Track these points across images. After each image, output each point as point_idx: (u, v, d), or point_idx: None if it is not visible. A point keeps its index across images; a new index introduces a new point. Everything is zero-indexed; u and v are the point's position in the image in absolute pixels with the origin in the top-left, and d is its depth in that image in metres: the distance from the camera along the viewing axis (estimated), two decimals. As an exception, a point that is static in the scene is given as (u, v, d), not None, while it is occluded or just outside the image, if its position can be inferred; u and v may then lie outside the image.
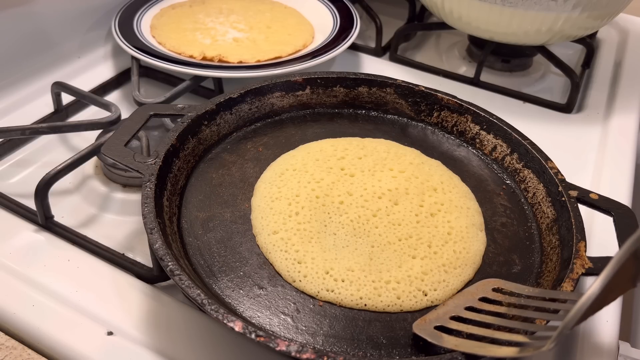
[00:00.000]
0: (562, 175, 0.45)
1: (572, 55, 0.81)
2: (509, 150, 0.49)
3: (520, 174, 0.48)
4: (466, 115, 0.52)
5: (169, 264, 0.36)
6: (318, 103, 0.56)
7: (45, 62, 0.66)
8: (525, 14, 0.62)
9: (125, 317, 0.41)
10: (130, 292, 0.43)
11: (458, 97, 0.53)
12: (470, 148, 0.52)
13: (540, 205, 0.46)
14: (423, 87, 0.54)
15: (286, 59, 0.65)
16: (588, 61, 0.77)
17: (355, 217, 0.44)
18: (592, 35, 0.81)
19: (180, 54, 0.65)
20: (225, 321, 0.33)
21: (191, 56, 0.65)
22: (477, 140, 0.52)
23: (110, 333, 0.39)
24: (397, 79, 0.54)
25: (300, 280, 0.40)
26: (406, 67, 0.74)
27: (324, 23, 0.73)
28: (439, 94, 0.53)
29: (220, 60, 0.64)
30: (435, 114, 0.54)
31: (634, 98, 0.69)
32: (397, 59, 0.75)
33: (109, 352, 0.38)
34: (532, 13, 0.62)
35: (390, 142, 0.52)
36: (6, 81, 0.62)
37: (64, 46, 0.68)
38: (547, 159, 0.46)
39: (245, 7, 0.76)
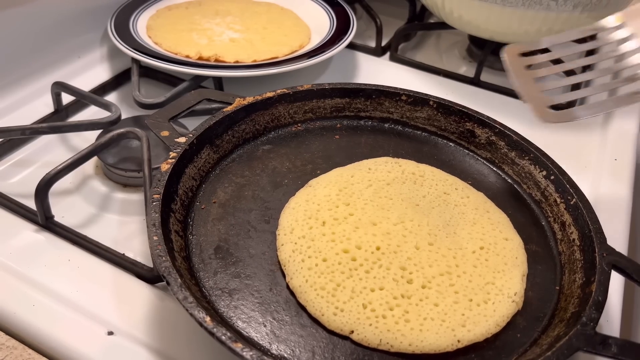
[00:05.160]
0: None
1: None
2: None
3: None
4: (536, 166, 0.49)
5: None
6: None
7: (45, 62, 0.66)
8: (525, 14, 0.62)
9: (125, 317, 0.41)
10: (130, 292, 0.43)
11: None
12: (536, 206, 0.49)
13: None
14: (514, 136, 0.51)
15: (283, 59, 0.65)
16: (588, 61, 0.76)
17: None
18: (592, 36, 0.81)
19: (176, 54, 0.65)
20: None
21: (187, 56, 0.65)
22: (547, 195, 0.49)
23: (110, 333, 0.39)
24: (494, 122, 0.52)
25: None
26: (406, 67, 0.74)
27: (321, 24, 0.73)
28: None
29: (216, 60, 0.64)
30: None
31: (634, 98, 0.69)
32: (397, 59, 0.75)
33: (109, 352, 0.38)
34: (532, 13, 0.62)
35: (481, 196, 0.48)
36: (6, 81, 0.62)
37: (64, 46, 0.68)
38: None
39: (242, 9, 0.76)
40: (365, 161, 0.50)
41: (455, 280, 0.40)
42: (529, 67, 0.49)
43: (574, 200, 0.45)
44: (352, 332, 0.37)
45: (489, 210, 0.46)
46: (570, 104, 0.49)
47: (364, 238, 0.42)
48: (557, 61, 0.53)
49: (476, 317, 0.38)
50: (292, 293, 0.40)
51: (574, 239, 0.43)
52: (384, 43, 0.77)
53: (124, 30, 0.67)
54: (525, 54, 0.50)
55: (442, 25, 0.76)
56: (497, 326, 0.38)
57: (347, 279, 0.40)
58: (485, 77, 0.71)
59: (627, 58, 0.48)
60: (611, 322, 0.43)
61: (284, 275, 0.41)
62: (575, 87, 0.49)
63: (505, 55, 0.50)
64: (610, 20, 0.50)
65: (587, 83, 0.48)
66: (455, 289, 0.40)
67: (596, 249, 0.40)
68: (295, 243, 0.42)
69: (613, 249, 0.41)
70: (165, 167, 0.43)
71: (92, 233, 0.47)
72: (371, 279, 0.40)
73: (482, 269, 0.41)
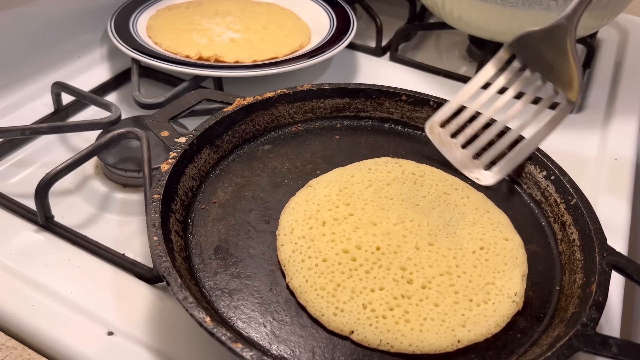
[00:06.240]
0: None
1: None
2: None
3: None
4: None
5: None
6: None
7: (45, 62, 0.66)
8: (525, 14, 0.62)
9: (125, 317, 0.41)
10: (130, 292, 0.43)
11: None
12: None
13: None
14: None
15: (283, 59, 0.65)
16: (588, 61, 0.77)
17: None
18: (593, 35, 0.81)
19: (176, 54, 0.65)
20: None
21: (187, 56, 0.65)
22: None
23: (110, 333, 0.39)
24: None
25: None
26: (406, 67, 0.74)
27: (321, 25, 0.73)
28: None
29: (216, 60, 0.64)
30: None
31: (634, 98, 0.69)
32: (397, 59, 0.75)
33: (109, 352, 0.38)
34: (532, 13, 0.62)
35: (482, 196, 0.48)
36: (6, 81, 0.62)
37: (64, 46, 0.68)
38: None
39: (242, 9, 0.76)
40: (365, 161, 0.50)
41: (456, 281, 0.40)
42: (455, 134, 0.51)
43: (574, 200, 0.45)
44: (352, 332, 0.37)
45: (489, 210, 0.46)
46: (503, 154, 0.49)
47: (364, 238, 0.42)
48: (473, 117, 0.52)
49: (476, 317, 0.38)
50: (292, 293, 0.40)
51: (574, 239, 0.43)
52: (384, 43, 0.77)
53: (124, 30, 0.67)
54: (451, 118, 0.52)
55: (442, 25, 0.76)
56: (497, 326, 0.38)
57: (347, 279, 0.40)
58: (486, 77, 0.71)
59: (528, 90, 0.50)
60: (611, 322, 0.43)
61: (283, 276, 0.41)
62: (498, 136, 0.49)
63: (428, 132, 0.52)
64: (502, 55, 0.51)
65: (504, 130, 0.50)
66: (456, 289, 0.40)
67: (596, 249, 0.40)
68: (296, 243, 0.42)
69: (613, 249, 0.41)
70: (165, 167, 0.43)
71: (92, 233, 0.47)
72: (371, 279, 0.40)
73: (482, 269, 0.41)
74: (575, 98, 0.48)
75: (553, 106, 0.49)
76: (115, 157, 0.52)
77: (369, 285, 0.39)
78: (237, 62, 0.64)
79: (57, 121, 0.59)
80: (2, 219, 0.48)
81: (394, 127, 0.55)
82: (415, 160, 0.51)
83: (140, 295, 0.42)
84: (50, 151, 0.56)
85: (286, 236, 0.43)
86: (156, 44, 0.67)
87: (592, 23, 0.65)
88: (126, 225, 0.49)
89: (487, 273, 0.41)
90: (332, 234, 0.42)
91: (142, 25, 0.70)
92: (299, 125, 0.54)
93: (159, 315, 0.41)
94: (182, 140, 0.46)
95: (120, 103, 0.64)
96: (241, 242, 0.43)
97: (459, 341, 0.37)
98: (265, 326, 0.37)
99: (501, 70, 0.51)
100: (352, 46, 0.75)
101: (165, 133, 0.47)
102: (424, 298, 0.39)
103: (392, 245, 0.42)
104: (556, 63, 0.48)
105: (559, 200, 0.46)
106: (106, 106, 0.56)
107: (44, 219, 0.47)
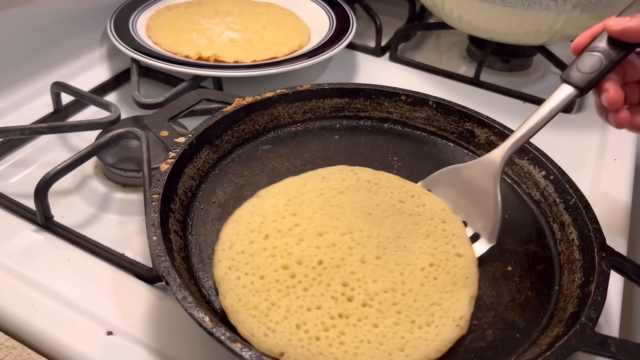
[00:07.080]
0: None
1: (572, 55, 0.80)
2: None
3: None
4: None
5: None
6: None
7: (45, 62, 0.66)
8: (525, 14, 0.62)
9: (125, 317, 0.41)
10: (130, 292, 0.43)
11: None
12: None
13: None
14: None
15: (282, 59, 0.65)
16: (588, 61, 0.76)
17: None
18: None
19: (176, 54, 0.65)
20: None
21: (187, 56, 0.65)
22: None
23: (110, 333, 0.40)
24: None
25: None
26: (406, 67, 0.74)
27: (321, 25, 0.73)
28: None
29: (216, 60, 0.64)
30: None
31: (633, 98, 0.69)
32: (396, 59, 0.75)
33: (109, 352, 0.38)
34: (532, 13, 0.62)
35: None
36: (6, 81, 0.62)
37: (64, 46, 0.68)
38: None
39: (242, 9, 0.76)
40: (320, 170, 0.48)
41: (400, 299, 0.38)
42: None
43: (573, 200, 0.45)
44: (282, 354, 0.35)
45: (444, 220, 0.44)
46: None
47: (306, 252, 0.40)
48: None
49: (416, 340, 0.36)
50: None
51: (573, 239, 0.43)
52: (383, 43, 0.77)
53: (123, 30, 0.67)
54: None
55: (442, 25, 0.76)
56: (438, 352, 0.36)
57: (283, 297, 0.38)
58: (485, 77, 0.71)
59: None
60: (610, 322, 0.43)
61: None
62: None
63: None
64: (416, 189, 0.47)
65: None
66: (398, 308, 0.38)
67: (595, 249, 0.40)
68: (233, 259, 0.40)
69: (612, 249, 0.41)
70: (165, 167, 0.43)
71: (92, 233, 0.47)
72: (309, 297, 0.38)
73: (429, 287, 0.39)
74: (494, 241, 0.43)
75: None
76: (115, 157, 0.52)
77: (305, 303, 0.37)
78: (236, 62, 0.64)
79: (57, 121, 0.59)
80: (1, 219, 0.48)
81: (393, 127, 0.55)
82: (415, 160, 0.51)
83: (139, 295, 0.42)
84: (49, 151, 0.56)
85: (224, 252, 0.41)
86: (156, 44, 0.67)
87: (591, 23, 0.64)
88: (125, 225, 0.49)
89: (434, 292, 0.39)
90: (274, 248, 0.40)
91: (142, 25, 0.70)
92: (299, 125, 0.54)
93: (158, 315, 0.41)
94: (182, 140, 0.46)
95: (119, 103, 0.64)
96: (240, 242, 0.43)
97: None
98: None
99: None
100: (351, 46, 0.75)
101: (164, 133, 0.47)
102: (363, 318, 0.37)
103: (336, 259, 0.40)
104: (476, 201, 0.45)
105: (558, 200, 0.46)
106: (106, 106, 0.56)
107: (43, 219, 0.47)
